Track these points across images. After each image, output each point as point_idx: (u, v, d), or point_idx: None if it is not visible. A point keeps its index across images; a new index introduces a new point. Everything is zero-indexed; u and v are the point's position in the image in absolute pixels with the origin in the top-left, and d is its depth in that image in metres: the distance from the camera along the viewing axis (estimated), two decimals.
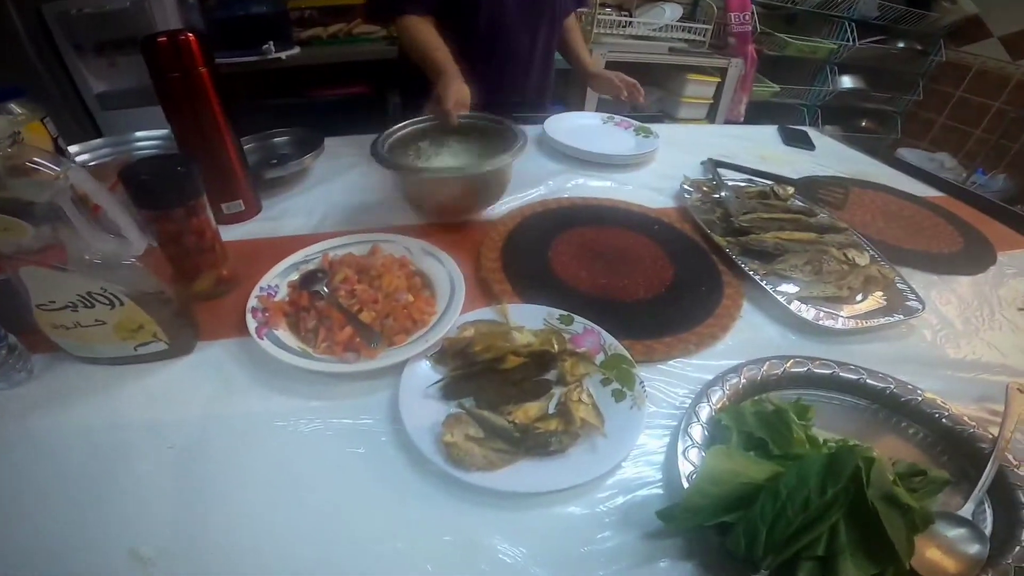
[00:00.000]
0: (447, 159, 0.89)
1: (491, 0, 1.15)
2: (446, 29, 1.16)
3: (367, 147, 0.83)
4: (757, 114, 2.57)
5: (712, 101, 2.45)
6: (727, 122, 2.47)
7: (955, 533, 0.45)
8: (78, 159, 0.92)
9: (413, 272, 0.69)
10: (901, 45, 2.69)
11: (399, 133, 0.85)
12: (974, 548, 0.44)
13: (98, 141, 0.95)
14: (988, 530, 0.48)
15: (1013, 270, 0.87)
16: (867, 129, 3.02)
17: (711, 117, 2.49)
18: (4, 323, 0.55)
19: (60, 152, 0.79)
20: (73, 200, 0.49)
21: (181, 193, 0.60)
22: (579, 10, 1.43)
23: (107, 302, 0.53)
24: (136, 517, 0.45)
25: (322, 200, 0.88)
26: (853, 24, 2.49)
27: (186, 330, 0.60)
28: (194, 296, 0.66)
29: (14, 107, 0.77)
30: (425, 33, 1.09)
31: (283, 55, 1.79)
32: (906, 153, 2.79)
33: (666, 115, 2.50)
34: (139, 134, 0.97)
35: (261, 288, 0.65)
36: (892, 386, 0.58)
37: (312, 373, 0.56)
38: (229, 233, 0.79)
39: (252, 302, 0.63)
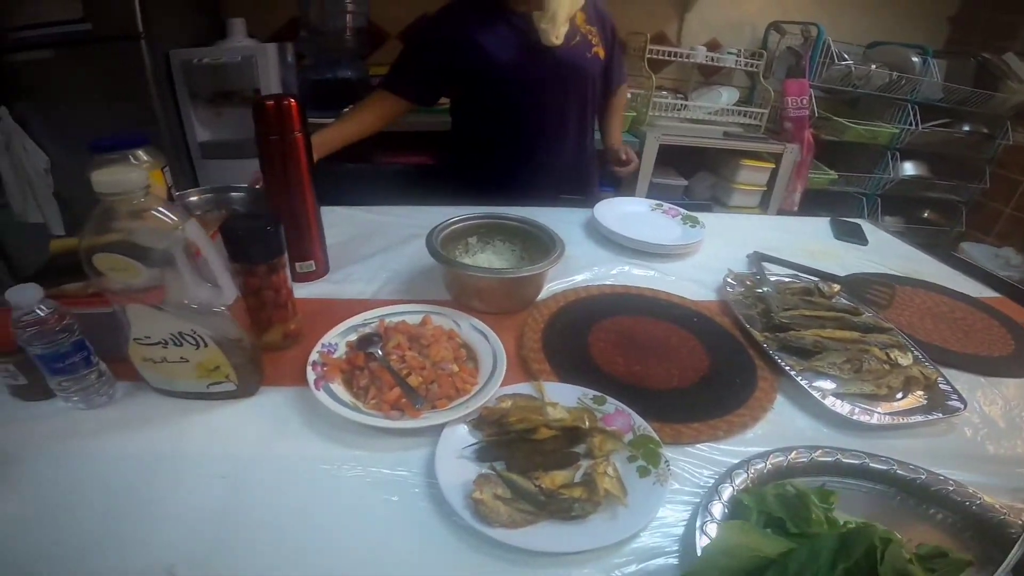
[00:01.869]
0: (490, 257, 1.00)
1: (514, 78, 1.29)
2: (473, 107, 1.38)
3: (428, 219, 0.94)
4: (813, 203, 2.60)
5: (766, 188, 2.51)
6: (780, 211, 2.51)
7: None
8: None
9: (459, 344, 0.77)
10: (966, 128, 2.66)
11: (453, 227, 0.96)
12: None
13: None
14: None
15: None
16: (929, 221, 2.98)
17: (764, 205, 2.54)
18: (99, 351, 0.66)
19: (171, 201, 0.92)
20: (184, 249, 0.60)
21: (267, 250, 0.71)
22: (619, 87, 1.56)
23: (193, 343, 0.63)
24: (178, 538, 0.52)
25: (382, 268, 0.99)
26: (916, 107, 2.51)
27: (254, 375, 0.70)
28: (263, 346, 0.76)
29: (141, 154, 0.85)
30: (361, 108, 1.32)
31: None
32: (970, 248, 2.73)
33: (718, 202, 2.57)
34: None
35: (323, 345, 0.74)
36: (923, 476, 0.61)
37: (359, 425, 0.64)
38: (299, 291, 0.88)
39: (313, 356, 0.72)
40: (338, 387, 0.69)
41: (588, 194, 1.41)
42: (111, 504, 0.55)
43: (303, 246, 0.90)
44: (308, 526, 0.54)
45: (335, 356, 0.74)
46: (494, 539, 0.52)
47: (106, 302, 0.66)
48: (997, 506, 0.57)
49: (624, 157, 1.41)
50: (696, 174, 2.64)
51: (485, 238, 1.00)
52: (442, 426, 0.64)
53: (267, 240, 0.71)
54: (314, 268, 0.93)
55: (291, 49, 2.00)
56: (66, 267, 0.75)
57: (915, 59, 2.46)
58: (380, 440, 0.64)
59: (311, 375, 0.69)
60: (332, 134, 1.27)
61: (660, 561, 0.53)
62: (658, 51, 2.35)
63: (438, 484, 0.57)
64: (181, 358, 0.64)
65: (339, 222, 1.12)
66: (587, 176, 1.50)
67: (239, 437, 0.64)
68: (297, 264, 0.91)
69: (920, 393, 0.77)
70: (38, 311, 0.59)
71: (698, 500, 0.59)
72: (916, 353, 0.84)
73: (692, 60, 2.43)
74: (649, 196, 2.21)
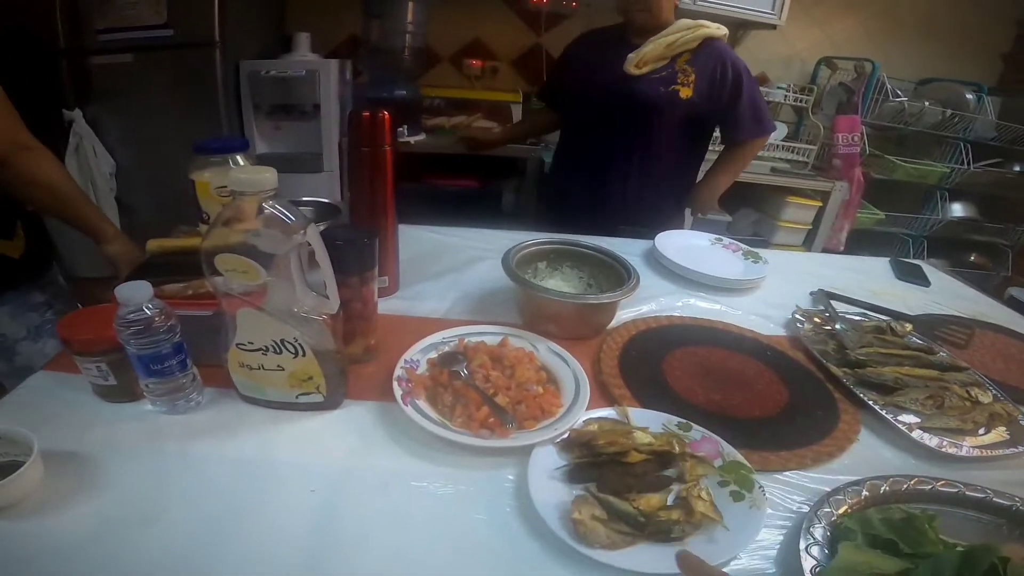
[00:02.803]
0: (558, 282, 1.04)
1: (591, 97, 1.46)
2: (565, 124, 1.62)
3: (490, 241, 0.97)
4: (857, 243, 2.61)
5: (811, 227, 2.52)
6: (825, 250, 2.51)
7: None
8: None
9: (539, 367, 0.80)
10: (1017, 169, 2.67)
11: (526, 250, 1.00)
12: None
13: None
14: None
15: None
16: (976, 264, 2.97)
17: (808, 244, 2.55)
18: (192, 354, 0.68)
19: None
20: (300, 255, 0.63)
21: (362, 262, 0.75)
22: (746, 140, 1.55)
23: (293, 351, 0.66)
24: (273, 552, 0.53)
25: (452, 288, 1.03)
26: (968, 146, 2.52)
27: (341, 387, 0.73)
28: None
29: (240, 159, 0.88)
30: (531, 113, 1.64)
31: (412, 140, 2.06)
32: (1018, 294, 2.68)
33: (761, 238, 2.59)
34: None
35: (406, 360, 0.77)
36: (1019, 503, 0.63)
37: (445, 443, 0.66)
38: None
39: (398, 372, 0.75)
40: (423, 404, 0.71)
41: (652, 228, 1.43)
42: (200, 513, 0.56)
43: (380, 261, 0.94)
44: (401, 541, 0.56)
45: (418, 373, 0.76)
46: (594, 560, 0.54)
47: (205, 305, 0.70)
48: None
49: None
50: (739, 210, 2.66)
51: (554, 263, 1.04)
52: (529, 447, 0.66)
53: (364, 252, 0.74)
54: (387, 284, 0.97)
55: (350, 66, 2.09)
56: (163, 267, 0.79)
57: (969, 96, 2.48)
58: (466, 458, 0.66)
59: (398, 390, 0.71)
60: (513, 128, 1.70)
61: None
62: None
63: (531, 504, 0.59)
64: (278, 366, 0.67)
65: (403, 240, 1.16)
66: (652, 211, 1.53)
67: (327, 450, 0.66)
68: None
69: (1002, 429, 0.79)
70: (145, 309, 0.61)
71: (790, 524, 0.61)
72: (995, 391, 0.86)
73: None
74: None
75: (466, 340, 0.83)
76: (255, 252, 0.59)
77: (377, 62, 2.07)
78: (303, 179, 1.89)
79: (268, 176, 0.57)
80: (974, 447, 0.75)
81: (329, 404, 0.72)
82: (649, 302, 1.06)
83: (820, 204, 2.48)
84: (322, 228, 0.76)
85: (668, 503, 0.61)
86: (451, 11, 2.33)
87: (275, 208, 0.60)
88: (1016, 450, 0.75)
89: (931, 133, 2.56)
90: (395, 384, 0.72)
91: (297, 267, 0.62)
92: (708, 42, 1.42)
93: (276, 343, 0.66)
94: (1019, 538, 0.61)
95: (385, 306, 0.94)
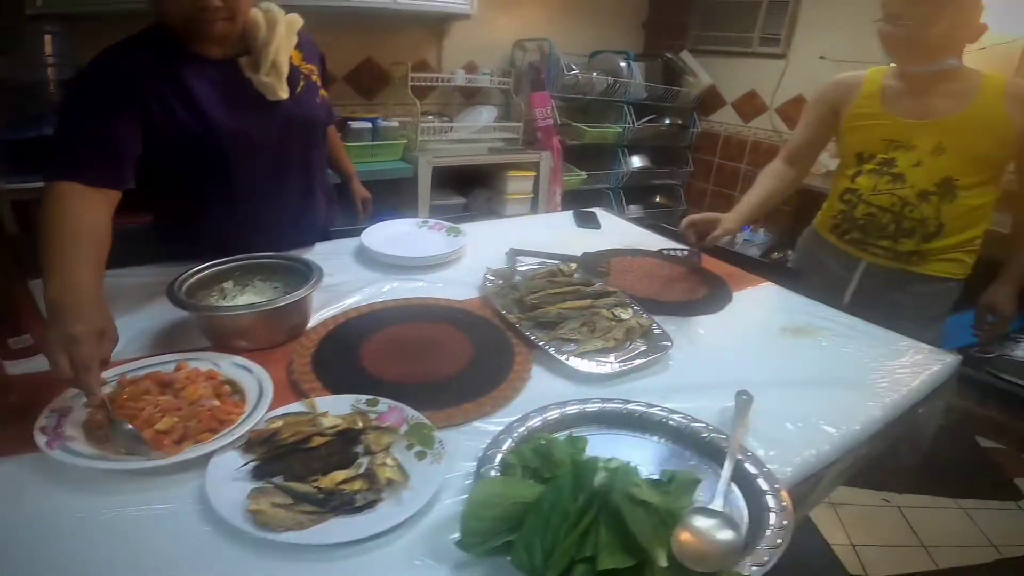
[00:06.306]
0: (251, 298, 0.98)
1: (244, 155, 1.08)
2: (203, 198, 1.11)
3: (173, 275, 0.90)
4: (573, 202, 2.91)
5: (533, 195, 2.79)
6: (547, 213, 2.80)
7: (708, 523, 0.54)
8: None
9: (222, 382, 0.76)
10: (667, 122, 3.26)
11: (200, 275, 0.93)
12: (726, 534, 0.54)
13: None
14: (745, 519, 0.60)
15: (743, 304, 1.18)
16: (661, 204, 3.57)
17: (534, 210, 2.82)
18: None
19: None
20: None
21: None
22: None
23: None
24: None
25: (125, 328, 0.84)
26: (631, 107, 2.99)
27: None
28: None
29: None
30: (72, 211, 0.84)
31: None
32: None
33: (495, 213, 2.78)
34: None
35: (51, 411, 0.69)
36: (643, 409, 0.75)
37: (114, 475, 0.63)
38: (19, 367, 0.80)
39: (43, 422, 0.66)
40: (79, 444, 0.65)
41: (326, 231, 1.37)
42: None
43: (13, 320, 0.81)
44: None
45: (70, 419, 0.68)
46: (283, 543, 0.55)
47: None
48: (705, 426, 0.72)
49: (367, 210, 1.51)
50: (473, 191, 2.84)
51: (242, 280, 0.98)
52: (209, 458, 0.64)
53: None
54: (32, 342, 0.83)
55: None
56: None
57: (623, 64, 2.95)
58: (139, 481, 0.63)
59: (41, 439, 0.64)
60: None
61: (455, 531, 0.58)
62: (421, 78, 2.49)
63: (211, 506, 0.58)
64: None
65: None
66: (322, 218, 1.35)
67: None
68: (9, 340, 0.81)
69: (640, 341, 0.96)
70: None
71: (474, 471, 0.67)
72: (634, 308, 1.03)
73: (452, 83, 2.61)
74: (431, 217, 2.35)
75: (129, 375, 0.76)
76: None
77: (13, 101, 1.72)
78: None
79: None
80: (618, 361, 0.88)
81: None
82: (353, 294, 1.07)
83: (534, 174, 2.76)
84: None
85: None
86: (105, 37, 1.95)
87: None
88: (648, 358, 0.89)
89: (603, 100, 2.98)
90: (37, 433, 0.64)
91: None
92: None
93: None
94: (656, 444, 0.73)
95: (36, 364, 0.80)
